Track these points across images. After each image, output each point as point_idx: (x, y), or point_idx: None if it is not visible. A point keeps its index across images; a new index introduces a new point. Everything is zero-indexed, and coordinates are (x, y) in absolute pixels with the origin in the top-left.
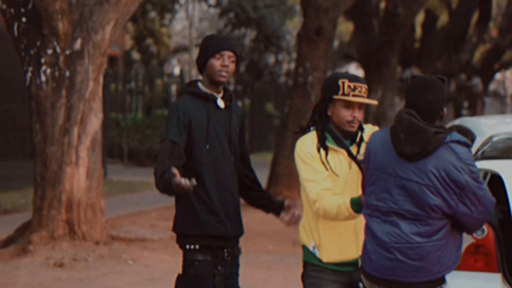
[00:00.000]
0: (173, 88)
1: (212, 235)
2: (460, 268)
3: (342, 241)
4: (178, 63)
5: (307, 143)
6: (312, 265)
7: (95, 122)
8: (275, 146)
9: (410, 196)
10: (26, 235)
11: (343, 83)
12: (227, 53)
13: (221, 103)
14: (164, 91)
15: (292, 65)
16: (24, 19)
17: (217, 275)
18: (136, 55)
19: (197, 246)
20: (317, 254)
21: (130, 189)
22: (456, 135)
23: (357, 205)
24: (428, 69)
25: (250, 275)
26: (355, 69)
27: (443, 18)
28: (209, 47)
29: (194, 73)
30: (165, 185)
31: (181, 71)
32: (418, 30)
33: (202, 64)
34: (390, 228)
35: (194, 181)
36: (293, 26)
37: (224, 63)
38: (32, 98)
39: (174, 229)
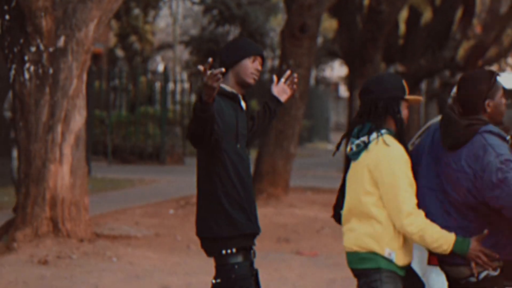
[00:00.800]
0: (157, 85)
1: (245, 234)
2: (436, 263)
3: (409, 246)
4: (162, 60)
5: (402, 149)
6: (387, 271)
7: (79, 120)
8: (259, 143)
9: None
10: (10, 232)
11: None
12: (259, 59)
13: (243, 104)
14: (148, 88)
15: (276, 62)
16: (7, 17)
17: (253, 275)
18: (120, 53)
19: (233, 250)
20: (395, 259)
21: (114, 186)
22: (489, 126)
23: (460, 249)
24: (412, 66)
25: None
26: (339, 66)
27: (427, 14)
28: (246, 47)
29: (178, 70)
30: (198, 105)
31: (165, 68)
32: (402, 27)
33: (232, 63)
34: None
35: (222, 69)
36: (277, 23)
37: (257, 67)
38: (16, 95)
39: (202, 234)
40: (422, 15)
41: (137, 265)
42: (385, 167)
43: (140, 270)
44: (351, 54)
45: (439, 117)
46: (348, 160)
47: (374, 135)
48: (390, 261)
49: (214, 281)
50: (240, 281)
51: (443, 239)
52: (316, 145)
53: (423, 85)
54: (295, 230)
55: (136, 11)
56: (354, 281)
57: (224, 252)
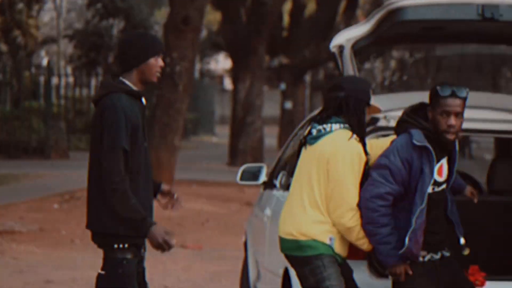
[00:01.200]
0: (42, 79)
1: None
2: (357, 257)
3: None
4: (46, 55)
5: (361, 147)
6: (328, 257)
7: None
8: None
9: None
10: None
11: None
12: (161, 54)
13: (143, 100)
14: (32, 83)
15: None
16: None
17: (139, 272)
18: (3, 47)
19: (126, 245)
20: (334, 246)
21: None
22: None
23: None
24: (296, 57)
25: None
26: (223, 59)
27: (311, 6)
28: (151, 46)
29: (63, 65)
30: (136, 222)
31: (49, 62)
32: (286, 19)
33: (139, 62)
34: None
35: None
36: (162, 16)
37: (161, 64)
38: None
39: (94, 227)
40: (306, 7)
41: (21, 260)
42: (342, 159)
43: (24, 265)
44: (235, 47)
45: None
46: (300, 147)
47: (337, 126)
48: (330, 247)
49: (100, 272)
50: (125, 278)
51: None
52: (201, 138)
53: (308, 77)
54: (180, 223)
55: (20, 5)
56: (238, 274)
57: (116, 246)
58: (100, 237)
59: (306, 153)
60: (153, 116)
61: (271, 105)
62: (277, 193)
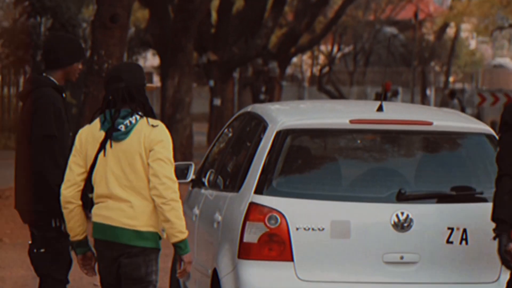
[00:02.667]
0: None
1: None
2: (254, 257)
3: None
4: None
5: None
6: (159, 251)
7: None
8: (72, 134)
9: None
10: None
11: None
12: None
13: (64, 95)
14: None
15: (88, 53)
16: None
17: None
18: None
19: None
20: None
21: None
22: None
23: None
24: (225, 54)
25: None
26: (151, 56)
27: (239, 2)
28: (79, 52)
29: None
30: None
31: None
32: (214, 15)
33: (67, 64)
34: None
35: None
36: (89, 14)
37: (81, 67)
38: None
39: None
40: (234, 3)
41: None
42: (165, 143)
43: None
44: (163, 44)
45: (253, 105)
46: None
47: (137, 117)
48: (159, 240)
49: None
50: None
51: (183, 222)
52: None
53: (236, 74)
54: None
55: None
56: (168, 272)
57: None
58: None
59: (115, 149)
60: (81, 113)
61: (200, 102)
62: (205, 191)
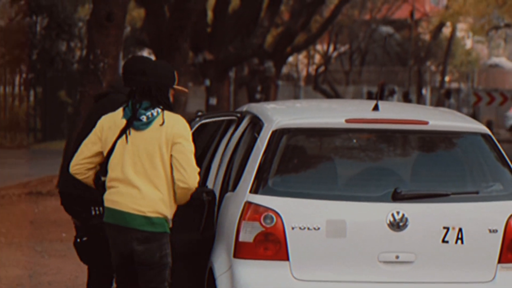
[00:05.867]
0: None
1: None
2: (250, 256)
3: None
4: None
5: None
6: (168, 235)
7: None
8: (68, 133)
9: None
10: None
11: None
12: None
13: None
14: None
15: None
16: None
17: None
18: None
19: None
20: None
21: None
22: None
23: None
24: (220, 53)
25: (44, 264)
26: (147, 55)
27: (235, 2)
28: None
29: None
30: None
31: None
32: (210, 15)
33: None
34: None
35: None
36: (85, 13)
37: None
38: None
39: None
40: (230, 3)
41: None
42: (188, 137)
43: None
44: (158, 43)
45: (248, 105)
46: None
47: (158, 110)
48: (168, 224)
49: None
50: None
51: None
52: None
53: (232, 73)
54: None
55: None
56: None
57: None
58: None
59: (136, 137)
60: (77, 112)
61: (196, 101)
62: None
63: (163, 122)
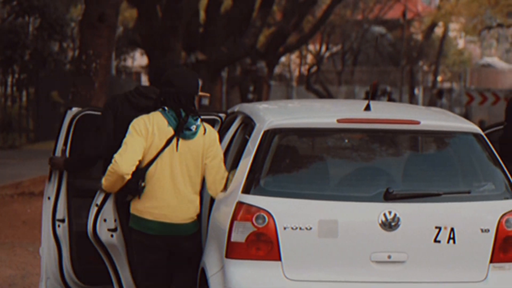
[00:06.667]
0: None
1: None
2: (242, 256)
3: None
4: None
5: None
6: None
7: None
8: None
9: None
10: None
11: None
12: None
13: None
14: None
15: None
16: None
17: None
18: None
19: None
20: None
21: None
22: None
23: None
24: (213, 54)
25: (36, 264)
26: (140, 56)
27: (227, 2)
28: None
29: None
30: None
31: None
32: (202, 15)
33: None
34: None
35: None
36: (77, 13)
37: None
38: None
39: None
40: (222, 3)
41: None
42: (218, 144)
43: None
44: (151, 43)
45: (240, 105)
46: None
47: (198, 121)
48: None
49: None
50: None
51: None
52: None
53: (224, 73)
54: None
55: None
56: None
57: None
58: None
59: (183, 146)
60: None
61: None
62: None
63: (205, 132)
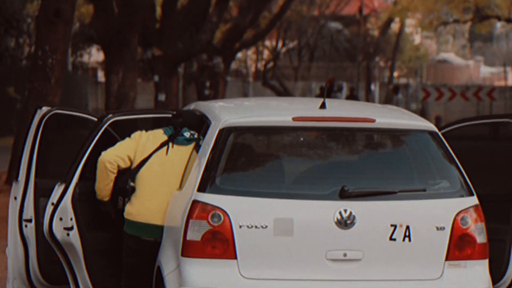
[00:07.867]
0: None
1: None
2: (198, 255)
3: None
4: None
5: None
6: None
7: None
8: (16, 130)
9: None
10: None
11: None
12: None
13: None
14: None
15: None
16: None
17: None
18: None
19: None
20: None
21: None
22: None
23: None
24: (169, 49)
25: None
26: (96, 51)
27: None
28: None
29: None
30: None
31: None
32: (158, 10)
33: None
34: None
35: None
36: (34, 9)
37: None
38: None
39: None
40: None
41: None
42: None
43: None
44: (107, 39)
45: (196, 103)
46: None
47: (196, 135)
48: None
49: None
50: None
51: None
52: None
53: (181, 69)
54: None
55: None
56: None
57: None
58: None
59: (175, 151)
60: (25, 108)
61: (144, 97)
62: None
63: (198, 148)
